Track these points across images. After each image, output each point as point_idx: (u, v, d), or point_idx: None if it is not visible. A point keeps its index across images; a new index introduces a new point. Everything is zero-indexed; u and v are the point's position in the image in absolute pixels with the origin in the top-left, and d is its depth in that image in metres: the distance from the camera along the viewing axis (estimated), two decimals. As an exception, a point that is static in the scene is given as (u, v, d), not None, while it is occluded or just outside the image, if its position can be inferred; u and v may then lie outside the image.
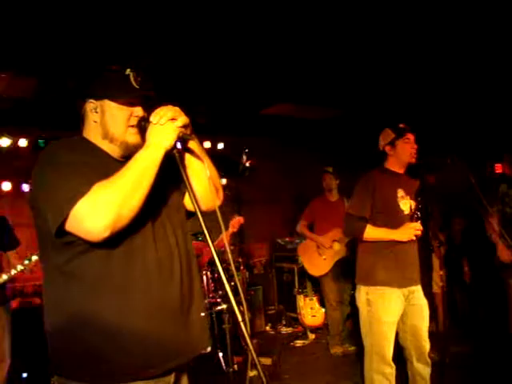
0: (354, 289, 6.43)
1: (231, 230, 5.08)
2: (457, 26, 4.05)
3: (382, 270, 3.40)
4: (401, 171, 3.61)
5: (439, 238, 5.67)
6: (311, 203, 6.14)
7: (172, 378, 1.80)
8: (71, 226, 1.56)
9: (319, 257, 5.95)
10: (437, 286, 5.84)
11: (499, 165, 7.89)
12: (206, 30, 3.90)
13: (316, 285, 6.43)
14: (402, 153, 3.52)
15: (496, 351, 4.93)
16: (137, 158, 1.65)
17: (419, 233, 3.40)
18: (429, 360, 3.49)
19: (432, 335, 3.58)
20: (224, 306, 4.56)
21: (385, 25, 3.99)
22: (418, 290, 3.51)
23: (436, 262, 5.65)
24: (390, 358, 3.38)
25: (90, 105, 1.78)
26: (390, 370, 3.38)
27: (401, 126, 3.58)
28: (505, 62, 5.00)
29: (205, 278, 5.06)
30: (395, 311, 3.40)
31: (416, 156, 3.52)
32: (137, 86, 1.77)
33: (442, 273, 5.24)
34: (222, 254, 4.17)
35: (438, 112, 6.73)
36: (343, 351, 5.70)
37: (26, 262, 3.85)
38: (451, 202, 6.16)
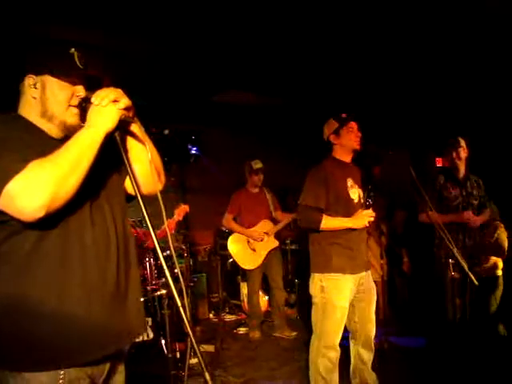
0: (288, 275, 6.61)
1: (176, 218, 5.02)
2: (400, 12, 4.10)
3: (336, 258, 3.48)
4: (348, 160, 3.68)
5: (381, 227, 5.80)
6: (234, 196, 6.09)
7: (108, 365, 1.78)
8: (4, 204, 1.50)
9: (251, 250, 5.97)
10: (377, 275, 5.99)
11: (439, 158, 8.15)
12: (160, 14, 3.83)
13: None
14: (347, 141, 3.60)
15: (434, 339, 5.09)
16: (76, 138, 1.60)
17: (372, 219, 3.50)
18: (373, 346, 3.63)
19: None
20: (163, 292, 4.52)
21: (327, 11, 4.01)
22: (367, 275, 3.64)
23: (377, 251, 5.78)
24: (337, 343, 3.48)
25: (30, 80, 1.71)
26: (336, 354, 3.49)
27: (343, 115, 3.66)
28: (451, 53, 5.09)
29: (148, 264, 4.99)
30: (347, 297, 3.49)
31: (360, 143, 3.60)
32: (80, 66, 1.73)
33: (382, 262, 5.40)
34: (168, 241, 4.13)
35: (382, 104, 6.86)
36: (260, 336, 5.93)
37: None
38: (393, 193, 6.31)
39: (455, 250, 3.33)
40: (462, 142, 4.54)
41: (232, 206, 6.04)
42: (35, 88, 1.71)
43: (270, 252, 5.95)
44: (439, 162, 8.26)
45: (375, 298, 3.68)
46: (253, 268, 5.93)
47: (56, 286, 1.61)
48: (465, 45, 4.80)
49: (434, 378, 4.19)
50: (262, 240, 5.92)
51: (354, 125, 3.61)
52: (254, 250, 5.95)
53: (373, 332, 3.63)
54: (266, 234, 5.93)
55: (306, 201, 3.57)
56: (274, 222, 6.07)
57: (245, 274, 6.84)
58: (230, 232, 6.20)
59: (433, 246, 4.72)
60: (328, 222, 3.47)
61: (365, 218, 3.48)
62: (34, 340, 1.59)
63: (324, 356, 3.47)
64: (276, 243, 5.99)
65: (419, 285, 6.33)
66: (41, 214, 1.49)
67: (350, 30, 4.39)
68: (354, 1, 3.82)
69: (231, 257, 6.25)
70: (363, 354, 3.62)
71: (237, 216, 6.06)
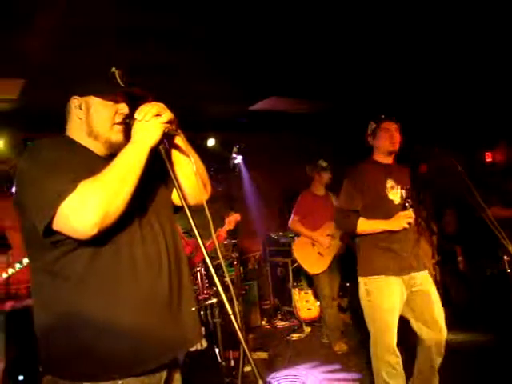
0: (343, 281, 6.51)
1: (227, 227, 5.04)
2: (443, 16, 4.06)
3: (377, 260, 3.44)
4: (388, 161, 3.62)
5: (431, 227, 5.70)
6: (301, 198, 5.97)
7: (164, 373, 1.81)
8: (58, 224, 1.55)
9: (316, 254, 5.78)
10: (430, 275, 5.87)
11: (489, 153, 7.94)
12: (199, 22, 3.87)
13: (310, 278, 6.32)
14: (382, 142, 3.55)
15: (500, 338, 4.96)
16: (123, 155, 1.64)
17: (411, 221, 3.39)
18: (443, 351, 3.43)
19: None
20: (214, 300, 4.54)
21: (370, 17, 3.99)
22: (420, 276, 3.49)
23: (429, 251, 5.67)
24: (394, 347, 3.37)
25: (75, 101, 1.77)
26: (396, 359, 3.37)
27: (381, 115, 3.61)
28: (493, 52, 5.00)
29: (199, 274, 5.05)
30: (394, 299, 3.40)
31: (397, 144, 3.53)
32: (122, 84, 1.77)
33: (434, 261, 5.28)
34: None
35: (428, 101, 6.74)
36: (347, 348, 5.54)
37: (18, 265, 3.82)
38: (442, 192, 6.17)
39: (510, 247, 3.23)
40: None
41: (299, 207, 5.90)
42: (80, 109, 1.77)
43: (336, 256, 5.76)
44: (489, 157, 8.04)
45: (437, 299, 3.50)
46: (320, 272, 5.73)
47: (110, 299, 1.66)
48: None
49: (498, 379, 4.07)
50: (329, 246, 5.72)
51: (389, 125, 3.55)
52: (320, 254, 5.76)
53: (443, 336, 3.40)
54: (331, 236, 5.73)
55: (342, 204, 3.58)
56: None
57: (296, 280, 6.81)
58: (279, 239, 6.16)
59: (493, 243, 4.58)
60: (363, 225, 3.44)
61: (402, 219, 3.38)
62: (92, 352, 1.63)
63: (383, 361, 3.39)
64: (342, 246, 5.78)
65: (475, 283, 6.17)
66: (94, 231, 1.54)
67: (391, 32, 4.35)
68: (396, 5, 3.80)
69: (297, 262, 6.08)
70: (432, 360, 3.43)
71: (302, 218, 5.87)
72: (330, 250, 5.76)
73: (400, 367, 3.39)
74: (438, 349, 3.41)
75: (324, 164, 5.89)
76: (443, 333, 3.41)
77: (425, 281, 3.52)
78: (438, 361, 3.45)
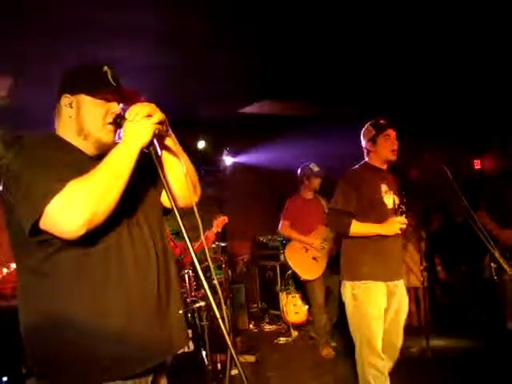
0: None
1: (215, 229, 5.04)
2: (441, 21, 4.07)
3: (367, 265, 3.42)
4: (383, 167, 3.61)
5: (420, 233, 5.72)
6: (289, 202, 5.88)
7: (150, 377, 1.79)
8: (45, 224, 1.53)
9: (311, 259, 5.68)
10: (418, 281, 5.89)
11: (478, 160, 7.99)
12: (192, 24, 3.87)
13: (298, 282, 6.26)
14: (383, 149, 3.52)
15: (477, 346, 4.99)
16: (112, 155, 1.63)
17: (404, 226, 3.41)
18: (396, 356, 3.51)
19: (414, 329, 3.61)
20: (202, 304, 4.52)
21: (367, 19, 4.00)
22: (400, 285, 3.53)
23: (417, 257, 5.68)
24: (380, 351, 3.38)
25: (65, 99, 1.75)
26: (382, 363, 3.38)
27: (381, 122, 3.58)
28: (487, 58, 5.03)
29: (187, 277, 5.03)
30: (380, 304, 3.41)
31: (396, 153, 3.52)
32: (114, 83, 1.76)
33: (422, 268, 5.30)
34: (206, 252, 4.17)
35: (418, 107, 6.77)
36: (334, 354, 5.52)
37: (5, 270, 3.77)
38: (430, 197, 6.20)
39: (496, 254, 3.25)
40: None
41: (288, 212, 5.81)
42: (71, 107, 1.75)
43: (329, 260, 5.65)
44: (478, 164, 8.09)
45: (406, 308, 3.58)
46: (314, 278, 5.63)
47: (97, 301, 1.64)
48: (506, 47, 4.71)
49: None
50: (323, 248, 5.65)
51: (391, 132, 3.52)
52: (314, 259, 5.66)
53: (399, 343, 3.49)
54: (325, 240, 5.64)
55: (336, 205, 3.55)
56: None
57: (284, 284, 6.78)
58: (268, 243, 6.13)
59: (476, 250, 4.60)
60: (357, 227, 3.43)
61: (396, 224, 3.39)
62: (78, 355, 1.62)
63: (370, 364, 3.38)
64: (335, 251, 5.54)
65: (459, 290, 6.21)
66: (81, 231, 1.52)
67: (383, 37, 4.37)
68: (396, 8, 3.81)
69: (290, 268, 5.90)
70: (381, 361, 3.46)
71: (292, 223, 5.77)
72: (324, 255, 5.67)
73: (386, 371, 3.40)
74: (391, 351, 3.49)
75: (315, 169, 5.77)
76: (400, 341, 3.51)
77: (402, 289, 3.55)
78: (388, 363, 3.49)
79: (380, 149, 3.53)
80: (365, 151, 3.66)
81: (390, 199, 3.52)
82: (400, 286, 3.53)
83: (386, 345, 3.45)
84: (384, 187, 3.53)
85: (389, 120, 3.61)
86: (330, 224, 3.70)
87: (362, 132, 3.68)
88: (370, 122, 3.63)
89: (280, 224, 5.86)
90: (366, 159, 3.66)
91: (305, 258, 5.70)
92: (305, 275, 5.69)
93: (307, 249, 5.71)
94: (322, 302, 5.65)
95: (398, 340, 3.49)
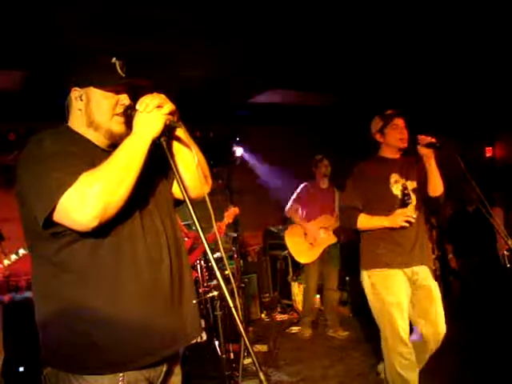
0: (345, 275, 6.53)
1: (226, 220, 5.06)
2: (448, 10, 4.05)
3: (381, 253, 3.47)
4: (396, 156, 3.61)
5: (430, 221, 5.69)
6: (302, 187, 6.03)
7: (165, 367, 1.81)
8: (59, 216, 1.54)
9: (308, 244, 5.88)
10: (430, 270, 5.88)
11: (489, 148, 7.92)
12: (201, 13, 3.85)
13: None
14: (392, 139, 3.54)
15: (491, 336, 4.97)
16: (124, 147, 1.63)
17: (409, 218, 3.36)
18: (439, 344, 3.47)
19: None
20: (215, 293, 4.54)
21: (377, 12, 3.99)
22: (422, 271, 3.51)
23: (429, 246, 5.67)
24: (405, 338, 3.37)
25: (75, 93, 1.76)
26: (408, 349, 3.37)
27: (388, 112, 3.60)
28: (495, 45, 4.99)
29: (199, 267, 5.05)
30: (399, 291, 3.43)
31: (406, 141, 3.52)
32: (123, 74, 1.76)
33: (434, 256, 5.28)
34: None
35: (430, 95, 6.73)
36: (310, 334, 5.91)
37: (13, 256, 3.79)
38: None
39: (510, 242, 3.23)
40: None
41: (298, 196, 5.99)
42: (81, 100, 1.75)
43: (326, 248, 5.85)
44: (489, 152, 8.03)
45: (438, 296, 3.51)
46: (308, 262, 5.87)
47: (111, 292, 1.65)
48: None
49: (493, 374, 4.08)
50: (319, 235, 5.82)
51: (399, 121, 3.53)
52: (311, 244, 5.85)
53: (441, 334, 3.44)
54: (325, 228, 5.82)
55: (344, 200, 3.65)
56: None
57: (296, 274, 6.83)
58: (279, 232, 6.19)
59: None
60: (364, 221, 3.48)
61: (401, 217, 3.36)
62: (94, 345, 1.63)
63: (395, 352, 3.39)
64: (334, 239, 5.86)
65: (470, 279, 6.16)
66: (94, 223, 1.53)
67: (397, 27, 4.34)
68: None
69: (287, 248, 6.15)
70: (426, 351, 3.49)
71: (301, 208, 5.97)
72: (321, 242, 5.84)
73: (412, 357, 3.39)
74: (435, 344, 3.47)
75: (318, 157, 5.98)
76: (442, 331, 3.44)
77: (426, 276, 3.53)
78: (433, 350, 3.50)
79: (389, 139, 3.55)
80: (376, 143, 3.67)
81: (399, 188, 3.51)
82: (422, 272, 3.50)
83: (427, 335, 3.44)
84: (395, 177, 3.53)
85: (393, 108, 3.62)
86: (341, 220, 3.82)
87: (370, 125, 3.69)
88: (377, 114, 3.66)
89: (288, 205, 6.05)
90: (378, 151, 3.68)
91: (302, 241, 5.92)
92: (298, 257, 5.96)
93: (306, 233, 5.89)
94: (312, 287, 5.94)
95: (437, 327, 3.43)
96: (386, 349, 3.49)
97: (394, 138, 3.53)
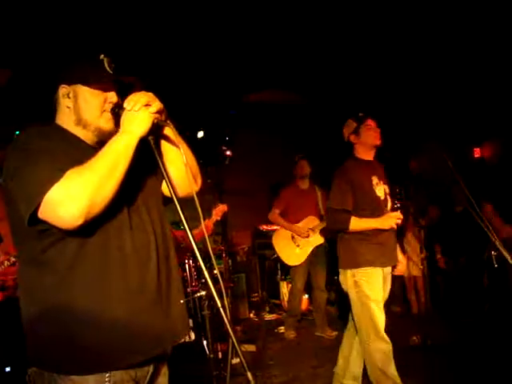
0: (334, 275, 6.54)
1: (214, 217, 5.04)
2: (431, 11, 4.07)
3: (366, 252, 3.54)
4: (370, 158, 3.75)
5: (420, 222, 5.72)
6: (282, 191, 6.14)
7: (151, 367, 1.79)
8: (44, 213, 1.52)
9: (295, 246, 5.94)
10: (418, 270, 5.92)
11: (477, 149, 7.97)
12: (180, 19, 3.85)
13: None
14: (367, 138, 3.68)
15: (478, 333, 5.00)
16: (111, 145, 1.62)
17: (400, 222, 3.56)
18: None
19: (414, 318, 3.63)
20: (203, 293, 4.53)
21: (351, 14, 4.02)
22: (389, 271, 3.69)
23: (417, 246, 5.71)
24: (384, 334, 3.46)
25: (63, 90, 1.74)
26: (388, 346, 3.45)
27: (360, 114, 3.75)
28: (483, 46, 5.01)
29: (187, 266, 5.03)
30: (379, 288, 3.54)
31: (380, 139, 3.67)
32: (110, 71, 1.74)
33: (422, 256, 5.32)
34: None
35: (416, 97, 6.75)
36: (295, 335, 5.92)
37: (6, 262, 3.75)
38: (430, 188, 6.20)
39: (497, 242, 3.25)
40: None
41: (279, 200, 6.08)
42: (68, 97, 1.74)
43: (314, 249, 5.89)
44: (477, 153, 8.07)
45: (387, 294, 3.69)
46: (297, 264, 5.90)
47: (97, 291, 1.63)
48: (502, 36, 4.70)
49: (479, 373, 4.10)
50: (307, 236, 5.88)
51: (371, 122, 3.69)
52: (298, 246, 5.91)
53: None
54: (312, 230, 5.88)
55: (333, 204, 3.66)
56: (323, 219, 5.99)
57: (284, 273, 6.84)
58: (268, 232, 6.21)
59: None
60: (356, 224, 3.54)
61: (392, 220, 3.53)
62: (80, 344, 1.61)
63: (376, 350, 3.45)
64: (321, 240, 5.91)
65: (458, 280, 6.20)
66: (80, 221, 1.52)
67: (378, 27, 4.36)
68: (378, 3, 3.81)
69: (275, 252, 6.22)
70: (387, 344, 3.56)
71: (284, 211, 6.03)
72: (309, 244, 5.89)
73: (391, 354, 3.46)
74: None
75: (296, 158, 6.07)
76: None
77: (388, 276, 3.70)
78: None
79: (364, 138, 3.69)
80: (350, 145, 3.79)
81: (381, 190, 3.66)
82: (388, 273, 3.68)
83: None
84: (375, 179, 3.66)
85: (370, 111, 3.78)
86: (329, 222, 3.87)
87: (343, 128, 3.82)
88: (350, 117, 3.79)
89: (270, 211, 6.12)
90: (354, 153, 3.78)
91: (290, 244, 5.98)
92: (287, 261, 6.00)
93: (293, 236, 5.96)
94: (299, 287, 5.97)
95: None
96: (366, 347, 3.53)
97: (368, 136, 3.67)
